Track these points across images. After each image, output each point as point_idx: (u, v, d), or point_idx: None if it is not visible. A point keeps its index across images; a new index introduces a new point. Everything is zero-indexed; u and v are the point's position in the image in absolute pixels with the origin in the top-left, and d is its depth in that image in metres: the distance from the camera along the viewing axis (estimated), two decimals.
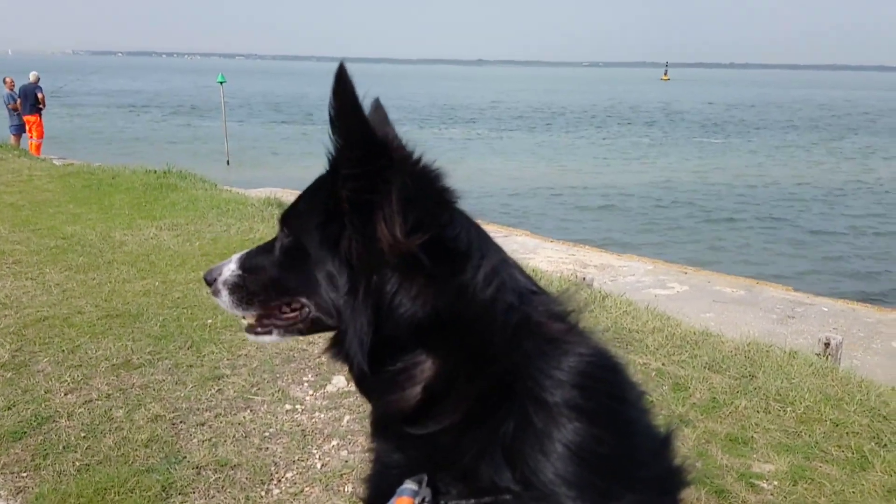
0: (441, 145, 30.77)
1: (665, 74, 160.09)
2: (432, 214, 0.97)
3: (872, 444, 3.50)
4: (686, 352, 4.51)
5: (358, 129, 0.94)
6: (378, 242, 0.95)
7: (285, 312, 1.16)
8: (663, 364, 4.31)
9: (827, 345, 5.31)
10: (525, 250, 10.88)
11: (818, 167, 25.64)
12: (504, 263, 1.04)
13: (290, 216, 1.13)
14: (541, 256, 10.60)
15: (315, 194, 1.09)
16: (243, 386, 4.01)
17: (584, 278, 7.29)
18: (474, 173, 22.86)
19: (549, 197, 19.08)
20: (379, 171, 0.94)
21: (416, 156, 1.01)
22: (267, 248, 1.17)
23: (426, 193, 0.98)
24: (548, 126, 41.45)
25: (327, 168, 1.05)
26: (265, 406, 3.81)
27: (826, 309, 8.37)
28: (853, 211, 17.75)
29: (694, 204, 18.29)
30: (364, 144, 0.94)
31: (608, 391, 0.95)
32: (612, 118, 48.08)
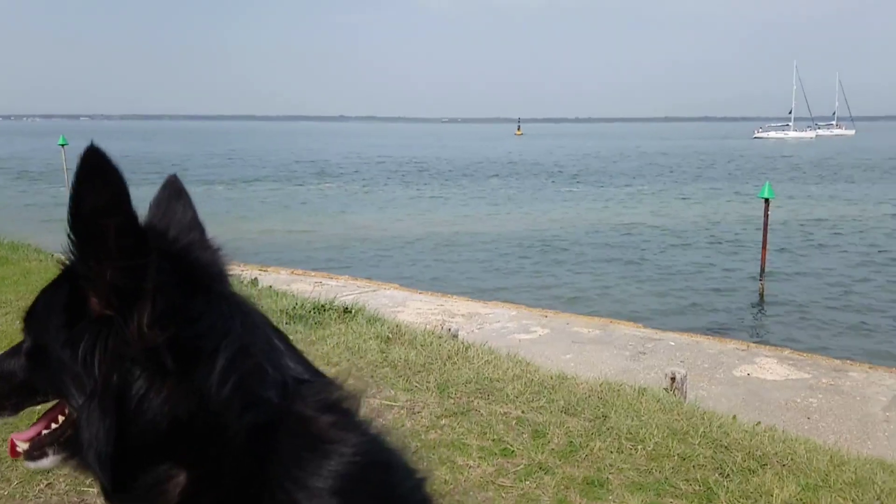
0: (314, 200, 30.48)
1: (518, 129, 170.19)
2: (182, 305, 0.87)
3: (716, 475, 3.71)
4: (544, 397, 4.62)
5: (111, 219, 0.83)
6: (121, 337, 0.84)
7: (49, 426, 1.03)
8: (523, 412, 4.38)
9: (673, 379, 5.65)
10: (394, 304, 10.86)
11: (665, 210, 27.79)
12: (268, 353, 0.93)
13: (30, 316, 1.00)
14: (410, 309, 10.61)
15: (55, 290, 0.96)
16: (76, 478, 3.62)
17: (449, 329, 7.36)
18: (347, 228, 22.80)
19: (420, 249, 19.29)
20: (131, 260, 0.83)
21: (178, 239, 0.93)
22: (16, 349, 1.04)
23: (179, 281, 0.88)
24: (418, 179, 42.24)
25: (67, 261, 0.93)
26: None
27: (673, 343, 8.94)
28: (697, 250, 19.30)
29: (554, 248, 19.17)
30: (116, 235, 0.83)
31: (374, 492, 0.88)
32: (477, 171, 49.80)
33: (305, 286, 11.55)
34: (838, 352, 10.47)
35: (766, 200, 14.09)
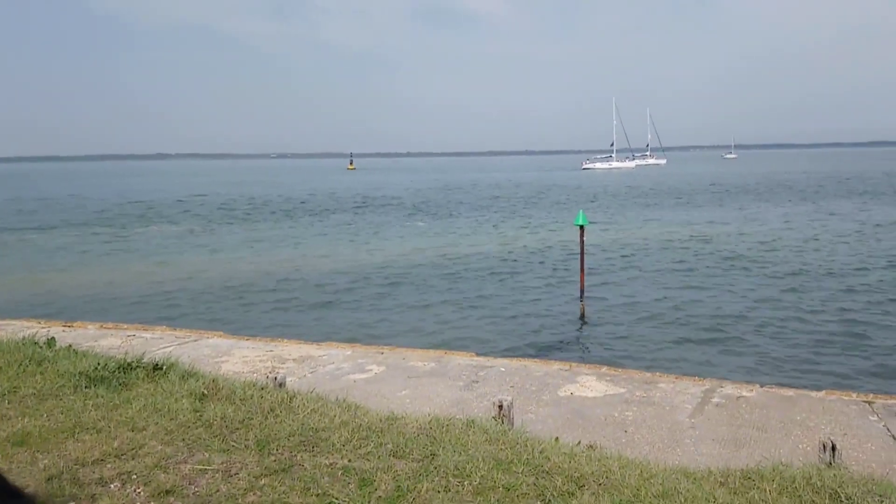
0: (133, 245, 28.25)
1: (351, 164, 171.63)
2: None
3: (538, 502, 3.77)
4: (372, 442, 4.48)
5: None
6: None
7: None
8: (349, 460, 4.21)
9: (500, 407, 5.74)
10: (217, 354, 10.22)
11: (498, 240, 28.94)
12: None
13: None
14: (236, 358, 10.03)
15: None
16: None
17: (275, 377, 6.99)
18: (170, 273, 21.29)
19: (249, 292, 18.44)
20: None
21: None
22: None
23: None
24: (249, 218, 40.74)
25: None
26: None
27: (503, 369, 9.19)
28: (526, 276, 20.21)
29: (393, 283, 19.20)
30: None
31: None
32: (312, 207, 49.04)
33: (116, 341, 10.56)
34: (650, 364, 11.36)
35: (581, 227, 15.13)
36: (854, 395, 7.92)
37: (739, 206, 43.56)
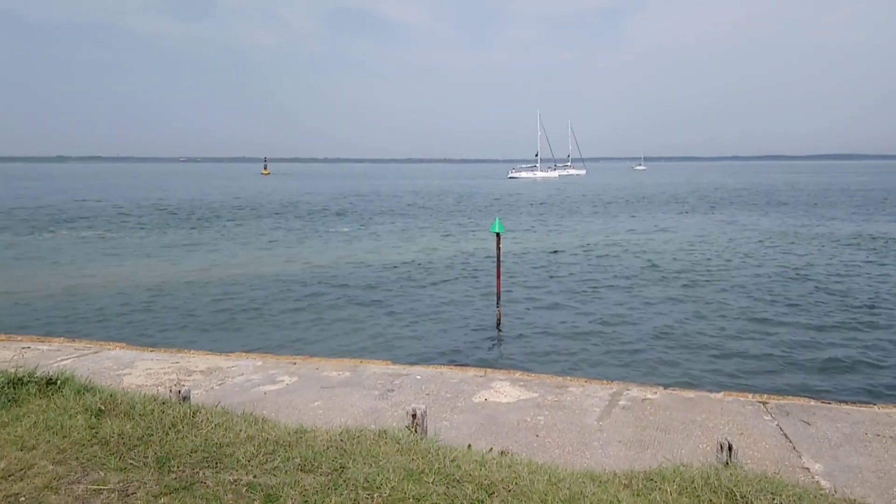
0: (34, 251, 26.50)
1: (265, 169, 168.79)
2: None
3: None
4: (279, 456, 4.36)
5: None
6: None
7: None
8: (255, 476, 4.08)
9: (414, 416, 5.71)
10: (119, 366, 9.73)
11: (418, 247, 28.92)
12: None
13: None
14: (139, 370, 9.58)
15: None
16: None
17: (179, 391, 6.70)
18: (72, 281, 20.12)
19: (156, 301, 17.64)
20: None
21: None
22: None
23: None
24: (159, 223, 39.10)
25: None
26: None
27: (419, 377, 9.17)
28: (445, 283, 20.28)
29: (311, 291, 18.83)
30: None
31: None
32: (229, 212, 47.58)
33: (7, 353, 9.87)
34: (563, 368, 11.62)
35: (498, 235, 15.35)
36: (750, 396, 8.35)
37: (651, 215, 45.46)
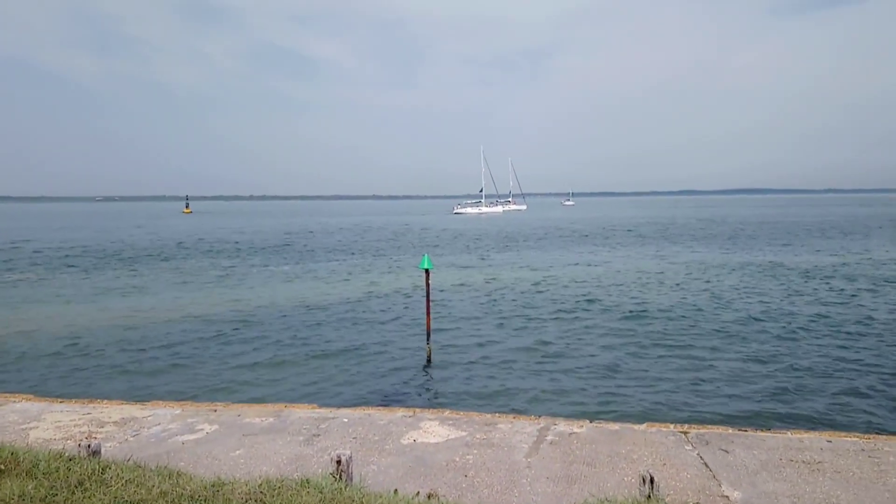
0: None
1: (187, 207, 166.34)
2: None
3: None
4: None
5: None
6: None
7: None
8: None
9: (339, 462, 5.56)
10: (25, 419, 9.13)
11: (349, 285, 28.56)
12: None
13: None
14: (47, 423, 9.01)
15: None
16: None
17: (89, 445, 6.32)
18: None
19: (66, 349, 16.67)
20: None
21: None
22: None
23: None
24: (74, 265, 37.20)
25: None
26: None
27: (346, 420, 8.99)
28: (378, 321, 20.05)
29: (232, 333, 18.24)
30: None
31: None
32: (152, 252, 45.83)
33: None
34: (492, 404, 11.63)
35: (427, 271, 15.36)
36: (672, 427, 8.56)
37: (585, 248, 46.65)
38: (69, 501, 4.31)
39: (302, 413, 9.52)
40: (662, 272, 31.47)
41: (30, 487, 4.49)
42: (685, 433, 8.19)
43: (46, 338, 17.81)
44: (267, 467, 7.12)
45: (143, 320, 20.25)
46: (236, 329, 18.86)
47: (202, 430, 8.63)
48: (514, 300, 23.57)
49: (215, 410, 9.69)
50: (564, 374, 13.81)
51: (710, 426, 8.85)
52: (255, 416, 9.30)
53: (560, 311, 21.33)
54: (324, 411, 9.69)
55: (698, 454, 7.43)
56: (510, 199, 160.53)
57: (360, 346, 16.67)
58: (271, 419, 9.11)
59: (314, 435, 8.37)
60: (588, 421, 8.85)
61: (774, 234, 58.79)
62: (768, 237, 55.49)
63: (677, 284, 27.00)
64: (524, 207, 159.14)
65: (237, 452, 7.75)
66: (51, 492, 4.44)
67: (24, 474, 4.78)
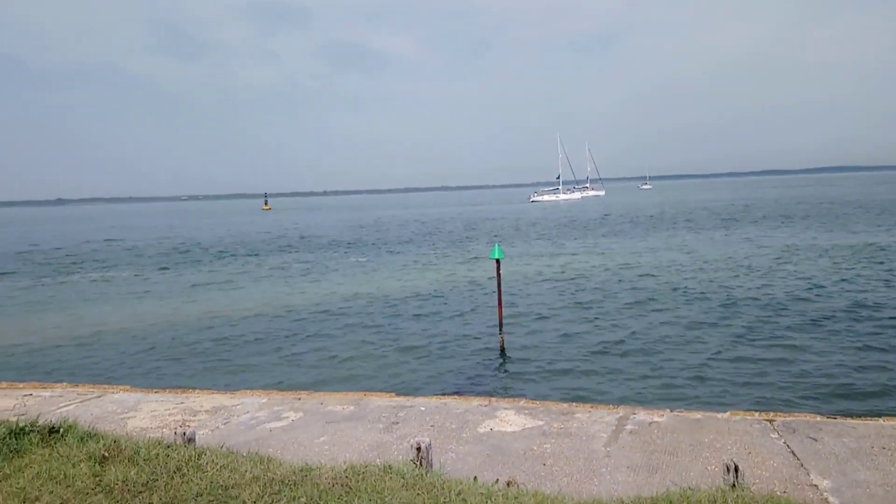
0: (44, 297, 26.50)
1: (266, 204, 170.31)
2: None
3: None
4: (284, 496, 4.35)
5: None
6: None
7: None
8: None
9: (419, 449, 5.69)
10: (123, 409, 9.69)
11: (430, 276, 28.94)
12: None
13: None
14: (143, 413, 9.54)
15: None
16: None
17: (184, 433, 6.69)
18: (79, 325, 20.11)
19: (165, 341, 17.61)
20: None
21: None
22: None
23: None
24: (173, 263, 39.12)
25: None
26: None
27: (423, 408, 9.13)
28: (452, 311, 20.25)
29: (312, 324, 18.81)
30: None
31: None
32: (240, 249, 47.56)
33: (9, 402, 9.85)
34: (568, 394, 11.58)
35: (497, 261, 15.38)
36: (756, 415, 8.31)
37: (666, 234, 45.40)
38: (169, 486, 4.58)
39: (380, 401, 9.74)
40: (749, 257, 30.31)
41: (132, 473, 4.80)
42: (770, 421, 7.93)
43: (140, 332, 18.84)
44: (350, 454, 7.33)
45: (229, 314, 21.11)
46: (317, 320, 19.42)
47: (288, 417, 8.95)
48: (591, 288, 23.27)
49: (299, 399, 10.03)
50: (643, 364, 13.58)
51: (796, 414, 8.53)
52: (337, 404, 9.57)
53: (639, 299, 20.91)
54: (401, 400, 9.88)
55: (785, 443, 7.19)
56: (588, 185, 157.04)
57: (435, 336, 16.87)
58: (352, 407, 9.35)
59: (393, 423, 8.55)
60: (668, 410, 8.69)
61: (867, 215, 55.69)
62: (862, 218, 52.60)
63: (764, 269, 25.99)
64: (602, 193, 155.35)
65: (321, 439, 8.01)
66: (152, 477, 4.74)
67: (126, 461, 5.11)
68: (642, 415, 8.43)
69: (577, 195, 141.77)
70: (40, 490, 4.60)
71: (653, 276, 25.69)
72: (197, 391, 11.13)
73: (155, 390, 11.26)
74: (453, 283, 26.04)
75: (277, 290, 26.31)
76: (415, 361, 14.60)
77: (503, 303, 15.90)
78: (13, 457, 5.23)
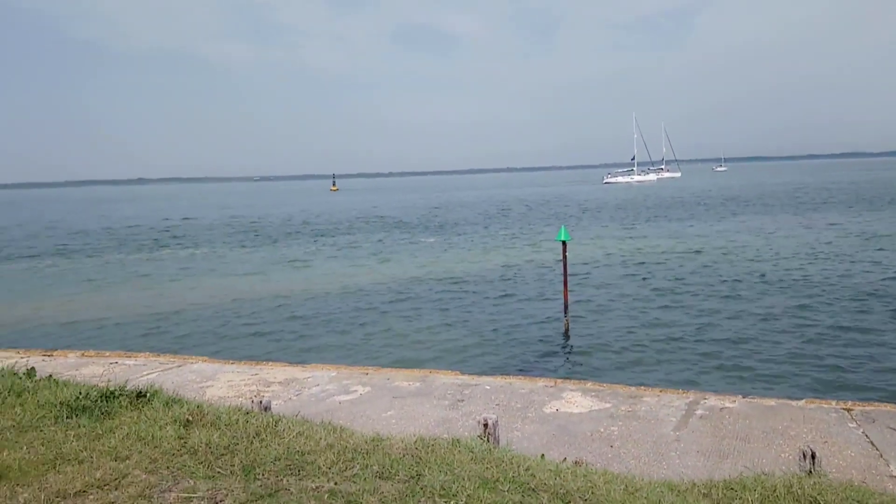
0: (129, 271, 27.94)
1: (334, 185, 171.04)
2: None
3: None
4: (358, 464, 4.48)
5: None
6: None
7: None
8: (335, 483, 4.21)
9: (485, 425, 5.76)
10: (202, 378, 10.15)
11: (496, 257, 29.01)
12: None
13: None
14: (220, 382, 9.98)
15: None
16: None
17: (260, 401, 6.96)
18: (157, 299, 21.12)
19: (237, 315, 18.31)
20: None
21: None
22: None
23: None
24: (251, 241, 40.45)
25: None
26: None
27: (489, 387, 9.21)
28: (517, 292, 20.27)
29: (382, 303, 19.15)
30: None
31: None
32: (304, 228, 48.74)
33: (98, 369, 10.46)
34: (635, 378, 11.42)
35: (564, 243, 15.24)
36: (833, 403, 8.02)
37: (744, 217, 43.80)
38: (248, 450, 4.79)
39: (446, 379, 9.87)
40: (830, 242, 29.02)
41: (215, 437, 5.04)
42: (848, 410, 7.64)
43: (217, 306, 19.61)
44: (416, 428, 7.48)
45: (301, 291, 21.71)
46: (384, 299, 19.76)
47: (356, 391, 9.20)
48: (663, 273, 22.78)
49: (367, 374, 10.27)
50: (714, 350, 13.26)
51: (876, 403, 8.19)
52: (403, 380, 9.76)
53: (713, 284, 20.35)
54: (466, 378, 9.98)
55: (863, 432, 6.92)
56: (663, 167, 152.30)
57: (500, 317, 16.91)
58: (418, 384, 9.52)
59: (458, 400, 8.66)
60: (741, 396, 8.49)
61: None
62: None
63: (846, 256, 24.84)
64: (678, 175, 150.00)
65: (388, 413, 8.20)
66: (233, 441, 4.96)
67: (209, 425, 5.36)
68: (713, 400, 8.26)
69: (652, 177, 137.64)
70: (130, 450, 4.89)
71: (729, 261, 24.91)
72: (270, 363, 11.55)
73: (231, 361, 11.73)
74: (520, 265, 25.96)
75: (347, 268, 26.84)
76: (479, 341, 14.69)
77: (569, 285, 15.77)
78: (104, 418, 5.56)
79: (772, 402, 8.19)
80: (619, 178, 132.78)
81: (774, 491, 4.03)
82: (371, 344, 14.72)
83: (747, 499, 3.94)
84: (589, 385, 9.31)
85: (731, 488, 4.17)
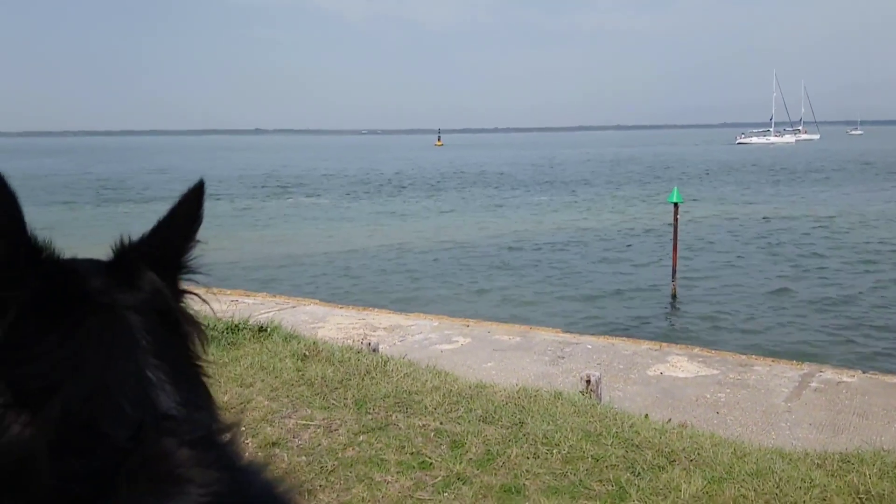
0: (254, 218, 29.58)
1: (439, 140, 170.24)
2: (25, 343, 0.76)
3: (628, 474, 3.82)
4: (462, 407, 4.64)
5: None
6: None
7: None
8: (441, 423, 4.39)
9: (588, 382, 5.78)
10: (313, 320, 10.69)
11: (601, 216, 28.54)
12: (131, 388, 0.80)
13: None
14: (330, 324, 10.47)
15: None
16: None
17: (369, 343, 7.28)
18: (271, 243, 22.29)
19: (344, 262, 19.08)
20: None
21: (50, 255, 0.83)
22: None
23: (37, 314, 0.77)
24: (368, 192, 41.64)
25: None
26: None
27: (590, 346, 9.16)
28: (624, 253, 19.89)
29: (483, 257, 19.34)
30: None
31: None
32: (415, 183, 49.30)
33: (220, 305, 11.20)
34: (745, 347, 11.01)
35: (676, 205, 14.70)
36: None
37: (885, 185, 40.26)
38: (360, 386, 5.06)
39: (546, 335, 9.90)
40: None
41: (329, 371, 5.35)
42: None
43: (330, 254, 20.45)
44: (516, 379, 7.57)
45: (410, 242, 22.23)
46: (491, 254, 19.90)
47: (457, 341, 9.41)
48: (785, 241, 21.47)
49: (468, 325, 10.47)
50: (835, 321, 12.54)
51: None
52: (504, 333, 9.88)
53: (839, 254, 18.99)
54: (567, 336, 9.98)
55: None
56: (801, 128, 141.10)
57: (606, 278, 16.67)
58: (518, 338, 9.61)
59: (559, 357, 8.68)
60: (860, 371, 8.03)
61: None
62: None
63: None
64: (817, 137, 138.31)
65: (488, 364, 8.35)
66: (345, 376, 5.25)
67: (324, 360, 5.70)
68: (830, 373, 7.87)
69: (790, 138, 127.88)
70: (254, 378, 5.28)
71: (860, 230, 23.10)
72: (376, 310, 11.98)
73: (340, 306, 12.27)
74: (631, 225, 25.22)
75: (456, 223, 27.10)
76: (583, 301, 14.57)
77: (684, 250, 15.26)
78: (231, 348, 6.02)
79: (894, 378, 7.71)
80: (754, 139, 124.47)
81: (895, 466, 3.85)
82: (472, 296, 14.94)
83: (864, 472, 3.78)
84: (696, 351, 9.08)
85: (847, 461, 4.00)
